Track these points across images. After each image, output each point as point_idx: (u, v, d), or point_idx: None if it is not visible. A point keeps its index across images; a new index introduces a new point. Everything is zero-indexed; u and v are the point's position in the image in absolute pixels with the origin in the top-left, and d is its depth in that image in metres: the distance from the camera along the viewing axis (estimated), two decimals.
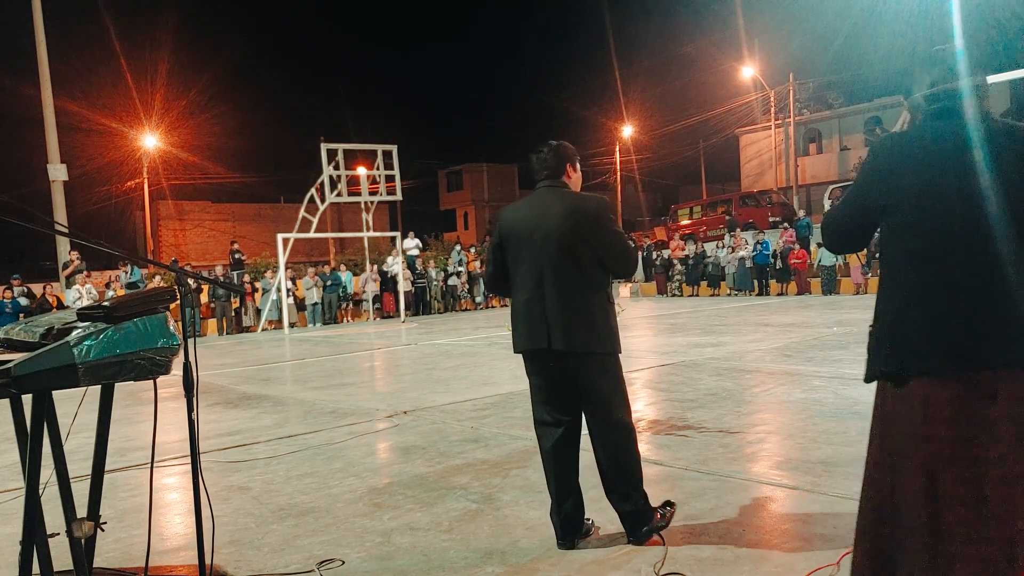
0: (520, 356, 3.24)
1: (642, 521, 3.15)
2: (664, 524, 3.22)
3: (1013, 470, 1.76)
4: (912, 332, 1.89)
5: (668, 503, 3.35)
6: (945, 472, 1.82)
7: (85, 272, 16.64)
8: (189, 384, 2.50)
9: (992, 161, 1.85)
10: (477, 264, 21.87)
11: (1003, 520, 1.75)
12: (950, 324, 1.84)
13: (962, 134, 1.90)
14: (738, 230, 23.49)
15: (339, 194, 18.37)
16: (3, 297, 15.80)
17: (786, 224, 21.88)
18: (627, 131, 43.27)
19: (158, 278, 18.57)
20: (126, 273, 18.23)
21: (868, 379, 1.98)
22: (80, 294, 15.57)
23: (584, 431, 3.21)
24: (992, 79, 8.82)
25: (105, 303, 2.42)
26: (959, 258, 1.86)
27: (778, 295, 19.39)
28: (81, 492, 2.67)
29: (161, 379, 2.48)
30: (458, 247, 24.26)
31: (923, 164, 1.92)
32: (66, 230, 5.28)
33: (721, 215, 28.01)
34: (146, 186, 34.30)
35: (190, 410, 2.48)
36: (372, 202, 19.41)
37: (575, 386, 3.12)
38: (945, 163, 1.89)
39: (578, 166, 3.32)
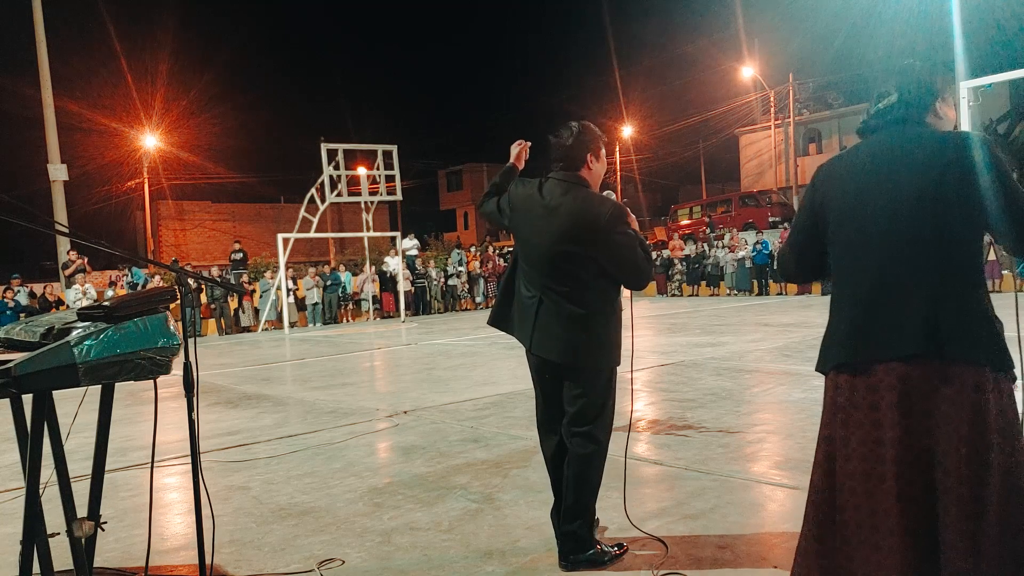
0: (522, 357, 3.18)
1: (580, 547, 2.92)
2: (602, 560, 2.94)
3: (903, 455, 1.85)
4: (824, 338, 2.06)
5: (621, 545, 3.08)
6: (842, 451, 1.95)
7: (87, 271, 16.63)
8: (189, 384, 2.50)
9: (909, 168, 1.90)
10: (477, 264, 21.87)
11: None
12: (847, 326, 1.97)
13: (883, 145, 1.98)
14: (735, 230, 23.52)
15: (339, 194, 18.36)
16: (3, 297, 15.81)
17: (785, 224, 21.88)
18: (627, 131, 43.28)
19: (157, 278, 18.59)
20: (127, 277, 18.22)
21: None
22: (81, 294, 15.58)
23: None
24: (992, 79, 8.81)
25: (105, 303, 2.42)
26: (858, 264, 1.97)
27: (778, 295, 19.39)
28: (81, 492, 2.67)
29: (161, 379, 2.48)
30: (458, 247, 24.25)
31: (847, 177, 2.02)
32: (66, 230, 5.28)
33: (721, 215, 28.05)
34: (146, 186, 34.32)
35: (190, 410, 2.48)
36: (372, 202, 19.41)
37: (564, 393, 2.98)
38: (864, 172, 1.98)
39: (603, 153, 2.98)
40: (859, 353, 1.93)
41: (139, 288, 17.47)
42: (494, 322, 3.17)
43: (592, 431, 2.93)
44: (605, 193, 3.04)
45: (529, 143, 3.33)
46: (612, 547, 3.03)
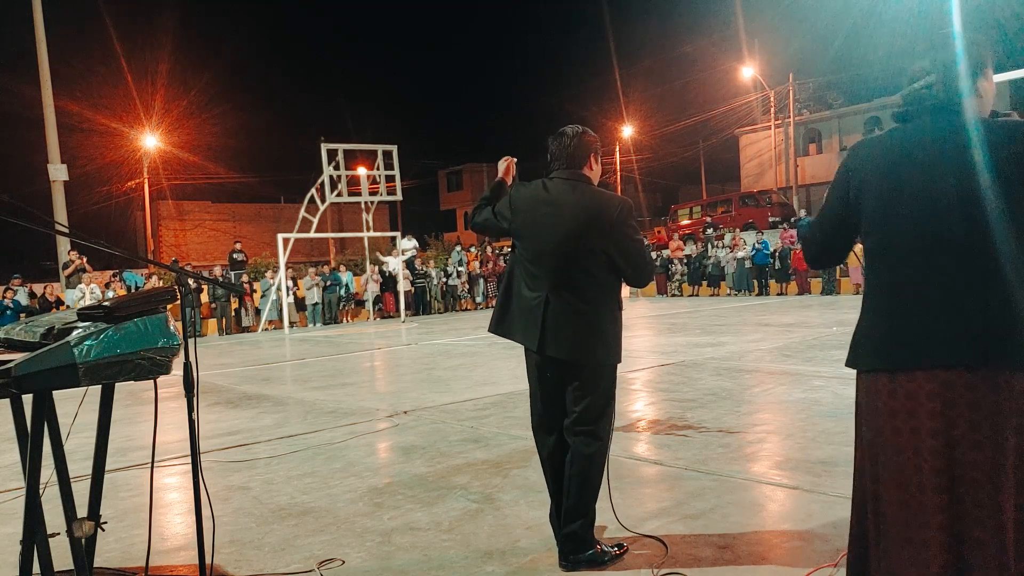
0: (523, 357, 3.15)
1: (580, 547, 2.93)
2: (602, 560, 2.95)
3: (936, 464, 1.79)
4: (860, 332, 1.97)
5: (621, 545, 3.09)
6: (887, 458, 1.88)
7: (88, 271, 16.62)
8: (189, 384, 2.50)
9: (953, 163, 1.80)
10: (477, 264, 21.88)
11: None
12: (889, 327, 1.89)
13: (924, 136, 1.87)
14: (735, 230, 23.54)
15: (339, 194, 18.37)
16: (3, 297, 15.81)
17: (785, 225, 21.90)
18: (627, 131, 43.30)
19: (155, 278, 18.59)
20: (120, 284, 18.20)
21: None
22: (83, 293, 15.58)
23: None
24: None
25: (105, 303, 2.42)
26: (901, 262, 1.87)
27: (778, 295, 19.39)
28: (81, 492, 2.67)
29: (161, 379, 2.48)
30: (458, 247, 24.26)
31: (885, 166, 1.91)
32: (66, 230, 5.28)
33: (721, 215, 28.07)
34: (146, 186, 34.30)
35: (190, 410, 2.48)
36: (372, 202, 19.42)
37: (568, 391, 2.98)
38: (903, 165, 1.87)
39: (600, 158, 3.08)
40: (899, 360, 1.84)
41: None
42: (494, 329, 3.13)
43: (596, 429, 2.94)
44: None
45: (516, 159, 3.36)
46: (612, 547, 3.03)
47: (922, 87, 1.90)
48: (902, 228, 1.86)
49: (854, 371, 2.03)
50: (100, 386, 2.60)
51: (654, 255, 23.70)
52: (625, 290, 23.67)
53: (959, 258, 1.79)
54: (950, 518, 1.76)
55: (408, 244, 22.44)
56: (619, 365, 3.05)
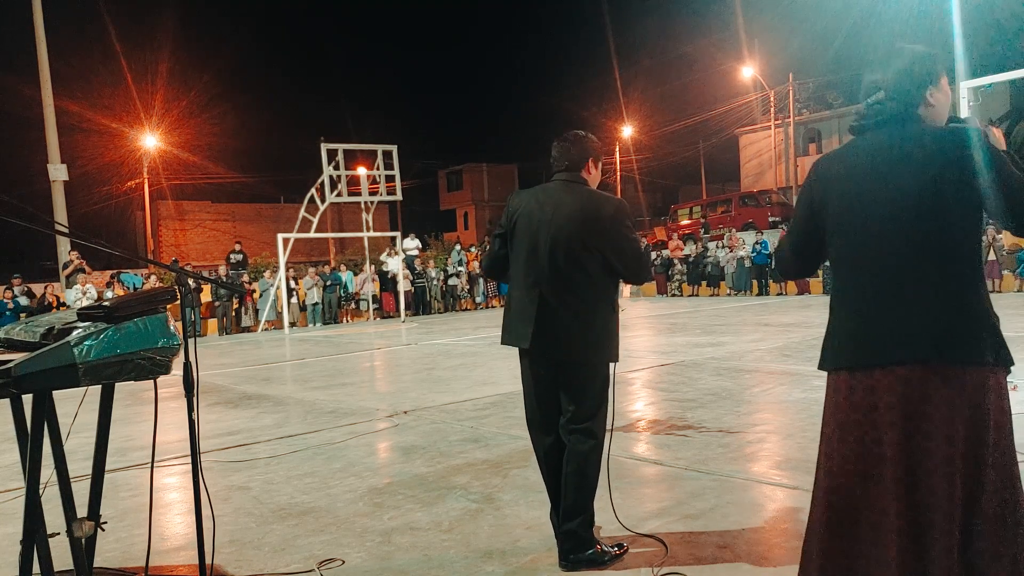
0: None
1: (580, 547, 2.92)
2: (603, 560, 2.95)
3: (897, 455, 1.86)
4: (826, 335, 2.05)
5: (621, 545, 3.08)
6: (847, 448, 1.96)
7: (87, 271, 16.62)
8: (189, 384, 2.50)
9: (901, 170, 1.90)
10: (477, 264, 21.88)
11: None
12: (849, 328, 1.97)
13: (876, 146, 1.97)
14: (734, 230, 23.55)
15: (339, 194, 18.37)
16: (3, 297, 15.81)
17: (785, 225, 21.89)
18: (627, 131, 43.28)
19: (153, 277, 18.58)
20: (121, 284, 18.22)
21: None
22: (81, 294, 15.57)
23: None
24: (992, 79, 8.82)
25: (105, 303, 2.42)
26: (859, 265, 1.96)
27: (777, 295, 19.40)
28: (81, 492, 2.67)
29: (161, 379, 2.48)
30: (458, 247, 24.26)
31: (844, 174, 2.01)
32: (66, 230, 5.28)
33: (721, 215, 28.09)
34: (146, 186, 34.31)
35: (190, 410, 2.48)
36: (372, 202, 19.41)
37: (563, 390, 2.99)
38: (859, 173, 1.97)
39: (600, 164, 3.14)
40: (859, 358, 1.93)
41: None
42: (503, 339, 3.14)
43: (591, 427, 2.96)
44: None
45: None
46: (612, 547, 3.03)
47: (874, 102, 2.01)
48: (858, 234, 1.96)
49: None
50: (100, 386, 2.60)
51: (654, 255, 23.72)
52: (625, 290, 23.72)
53: (909, 260, 1.88)
54: (907, 506, 1.83)
55: (411, 244, 22.46)
56: (617, 364, 3.07)
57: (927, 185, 1.86)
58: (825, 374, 2.05)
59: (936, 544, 1.80)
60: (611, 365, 3.02)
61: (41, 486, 2.35)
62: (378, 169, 18.81)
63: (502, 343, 3.13)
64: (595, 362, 2.96)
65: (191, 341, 2.47)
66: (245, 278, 18.94)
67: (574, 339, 2.92)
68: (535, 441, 3.12)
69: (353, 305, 20.06)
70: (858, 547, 1.92)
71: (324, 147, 18.05)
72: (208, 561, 2.57)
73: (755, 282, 20.14)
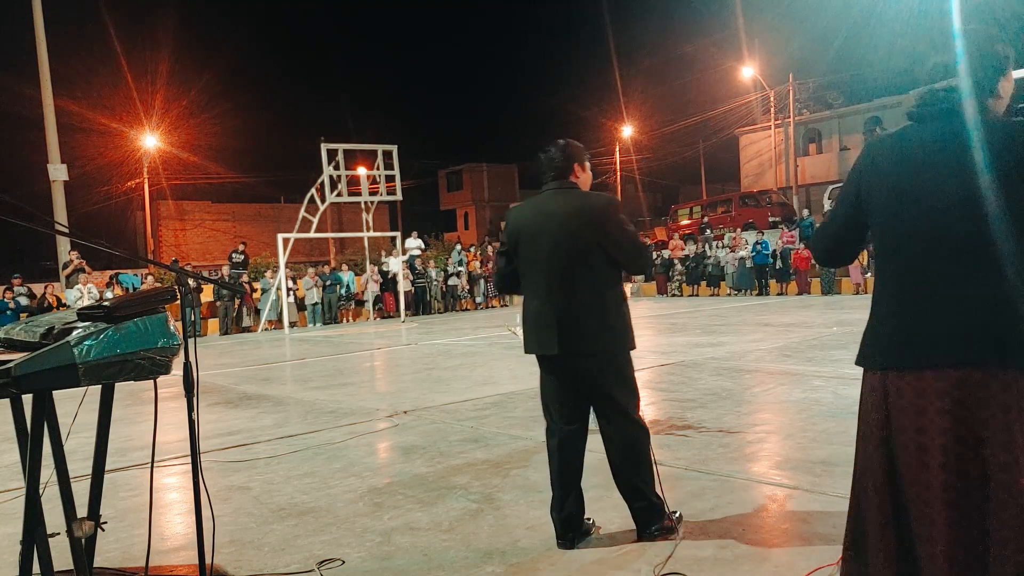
0: (523, 357, 3.24)
1: (653, 519, 3.14)
2: (673, 528, 3.19)
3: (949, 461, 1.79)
4: (870, 331, 1.95)
5: (675, 512, 3.32)
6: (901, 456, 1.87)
7: (87, 271, 16.62)
8: (189, 384, 2.50)
9: (963, 163, 1.79)
10: (477, 264, 21.87)
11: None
12: (898, 325, 1.88)
13: (937, 136, 1.86)
14: (736, 230, 23.56)
15: (339, 194, 18.36)
16: (3, 297, 15.80)
17: (785, 225, 21.90)
18: (627, 131, 43.28)
19: (151, 278, 18.57)
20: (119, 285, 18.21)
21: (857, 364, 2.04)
22: (81, 294, 15.57)
23: (593, 427, 3.19)
24: None
25: (105, 303, 2.42)
26: (912, 261, 1.87)
27: (778, 295, 19.39)
28: (81, 492, 2.67)
29: (161, 379, 2.48)
30: (458, 247, 24.26)
31: (894, 165, 1.90)
32: (66, 230, 5.28)
33: (721, 215, 28.10)
34: (146, 186, 34.29)
35: (190, 410, 2.48)
36: (372, 202, 19.41)
37: (587, 386, 3.11)
38: (911, 165, 1.87)
39: (587, 165, 3.25)
40: (908, 359, 1.84)
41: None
42: (526, 348, 3.22)
43: (632, 414, 3.15)
44: None
45: None
46: (672, 512, 3.26)
47: (941, 89, 1.87)
48: (909, 228, 1.86)
49: (855, 371, 2.02)
50: (100, 386, 2.60)
51: (654, 255, 23.72)
52: (626, 290, 23.82)
53: (965, 258, 1.79)
54: (958, 515, 1.75)
55: (414, 243, 22.46)
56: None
57: (996, 181, 1.75)
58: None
59: (994, 557, 1.72)
60: (631, 354, 3.18)
61: (41, 486, 2.35)
62: (378, 169, 18.80)
63: (527, 352, 3.21)
64: (619, 351, 3.11)
65: (191, 341, 2.47)
66: (245, 278, 18.94)
67: (597, 334, 3.04)
68: (551, 431, 3.20)
69: (353, 305, 20.05)
70: (905, 552, 1.84)
71: (324, 147, 18.04)
72: (208, 561, 2.57)
73: (755, 282, 20.12)
